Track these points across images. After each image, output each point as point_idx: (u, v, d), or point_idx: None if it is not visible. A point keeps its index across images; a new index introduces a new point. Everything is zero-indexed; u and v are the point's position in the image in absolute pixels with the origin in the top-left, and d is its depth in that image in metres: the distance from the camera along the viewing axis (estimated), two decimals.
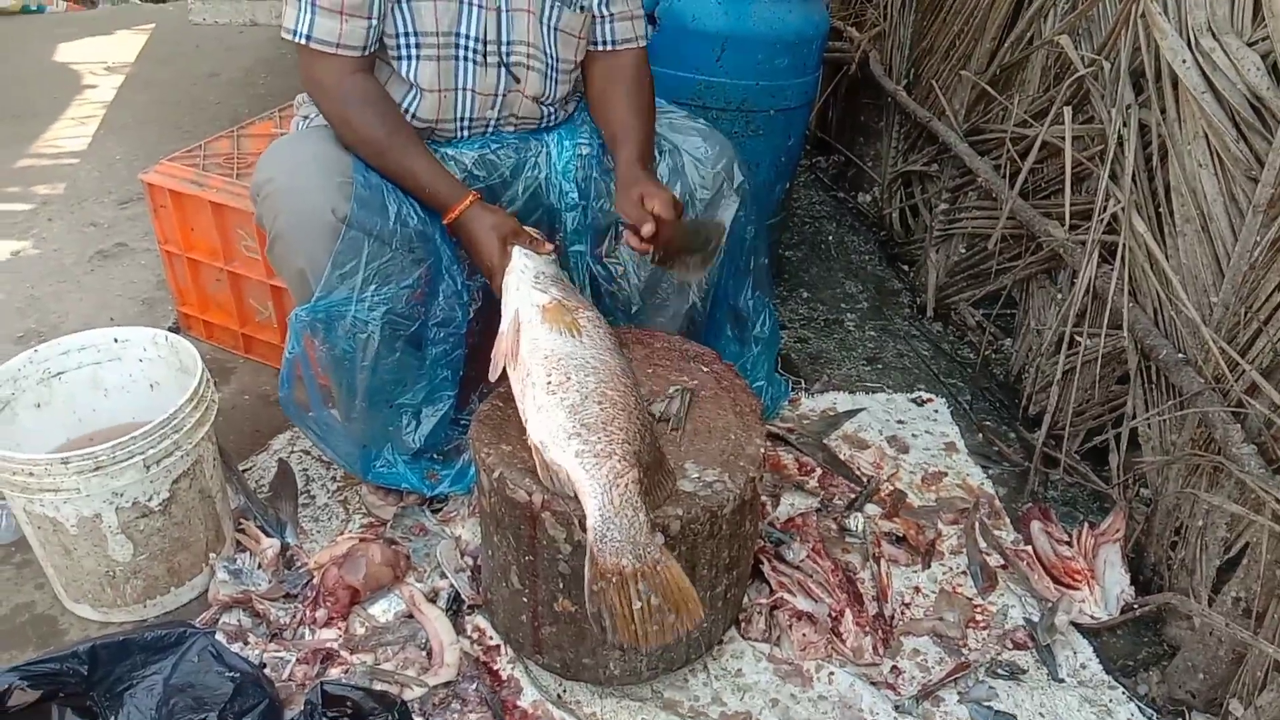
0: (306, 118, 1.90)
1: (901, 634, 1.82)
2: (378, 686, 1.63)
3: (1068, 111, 1.84)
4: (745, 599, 1.83)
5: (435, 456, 2.02)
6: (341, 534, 1.99)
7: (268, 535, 1.94)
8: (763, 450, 1.63)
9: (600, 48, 1.93)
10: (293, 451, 2.21)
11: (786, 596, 1.82)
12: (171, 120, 3.77)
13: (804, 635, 1.77)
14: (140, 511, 1.70)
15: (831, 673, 1.73)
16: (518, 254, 1.70)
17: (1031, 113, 2.18)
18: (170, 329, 2.55)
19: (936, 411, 2.39)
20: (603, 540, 1.36)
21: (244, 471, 2.15)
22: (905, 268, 2.98)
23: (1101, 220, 1.81)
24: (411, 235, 1.73)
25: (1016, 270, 2.26)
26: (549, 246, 1.75)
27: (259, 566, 1.88)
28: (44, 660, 1.50)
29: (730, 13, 2.35)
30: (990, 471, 2.20)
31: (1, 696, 1.47)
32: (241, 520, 1.98)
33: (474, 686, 1.68)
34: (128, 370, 1.93)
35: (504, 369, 1.59)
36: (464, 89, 1.80)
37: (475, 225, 1.73)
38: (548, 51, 1.84)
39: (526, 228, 1.77)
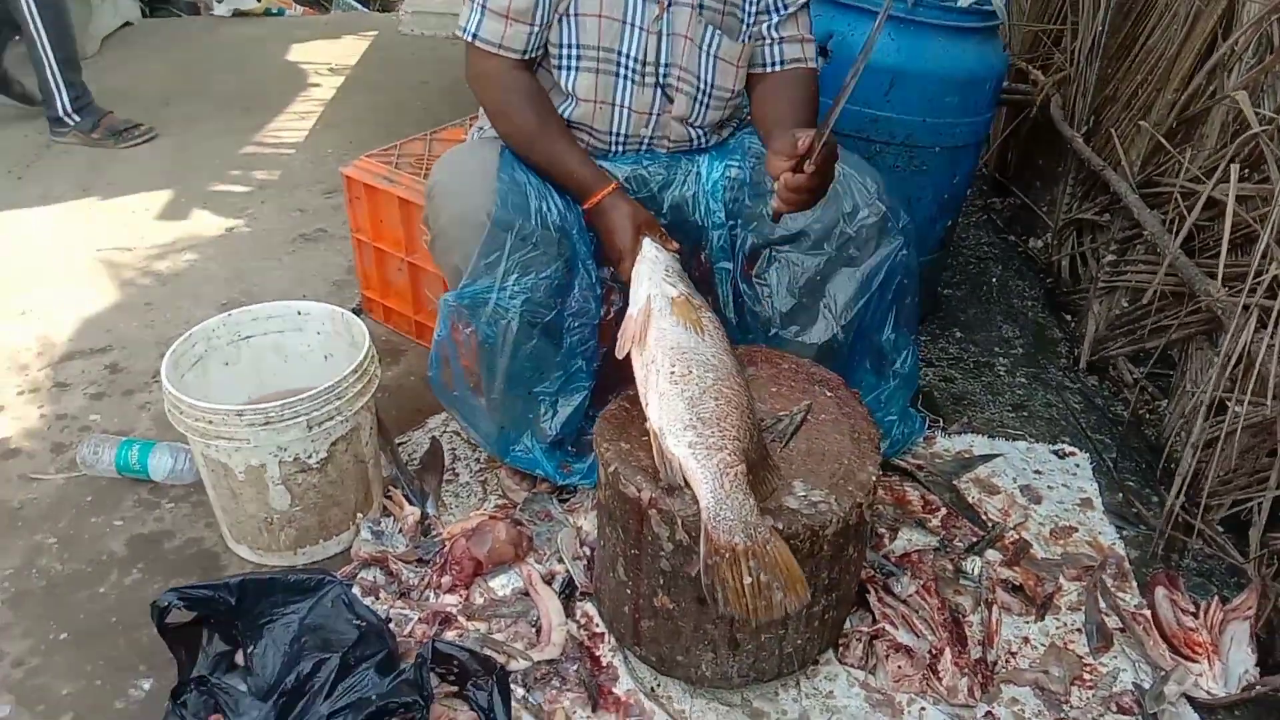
0: (480, 129, 2.06)
1: (1002, 681, 1.79)
2: (486, 652, 1.76)
3: (1234, 169, 1.78)
4: (847, 625, 1.86)
5: (570, 449, 2.13)
6: (477, 510, 2.13)
7: (410, 504, 2.11)
8: (873, 478, 1.65)
9: (769, 69, 2.00)
10: (445, 431, 2.38)
11: (888, 628, 1.83)
12: (381, 120, 4.09)
13: (899, 667, 1.77)
14: (300, 467, 1.89)
15: (923, 708, 1.73)
16: (649, 245, 1.83)
17: (1206, 168, 2.10)
18: (354, 309, 2.80)
19: (1078, 466, 2.33)
20: (716, 519, 1.47)
21: (399, 444, 2.33)
22: (1068, 317, 2.90)
23: (1261, 282, 1.74)
24: (550, 230, 1.86)
25: (1173, 329, 2.18)
26: (675, 245, 1.86)
27: (399, 531, 2.04)
28: (200, 586, 1.70)
29: (902, 48, 2.37)
30: (1125, 533, 2.13)
31: (163, 613, 1.68)
32: (390, 487, 2.16)
33: (575, 667, 1.78)
34: (307, 341, 2.14)
35: (629, 351, 1.71)
36: (620, 105, 1.92)
37: (614, 212, 1.86)
38: (701, 77, 1.93)
39: (658, 225, 1.89)
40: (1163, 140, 2.28)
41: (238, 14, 5.72)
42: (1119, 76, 2.61)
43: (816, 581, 1.64)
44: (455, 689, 1.66)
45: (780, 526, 1.52)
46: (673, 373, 1.63)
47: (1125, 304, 2.51)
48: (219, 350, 2.07)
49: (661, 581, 1.64)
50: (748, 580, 1.44)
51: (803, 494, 1.61)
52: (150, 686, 1.77)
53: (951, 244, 2.92)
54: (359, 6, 6.26)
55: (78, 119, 3.80)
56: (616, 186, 1.90)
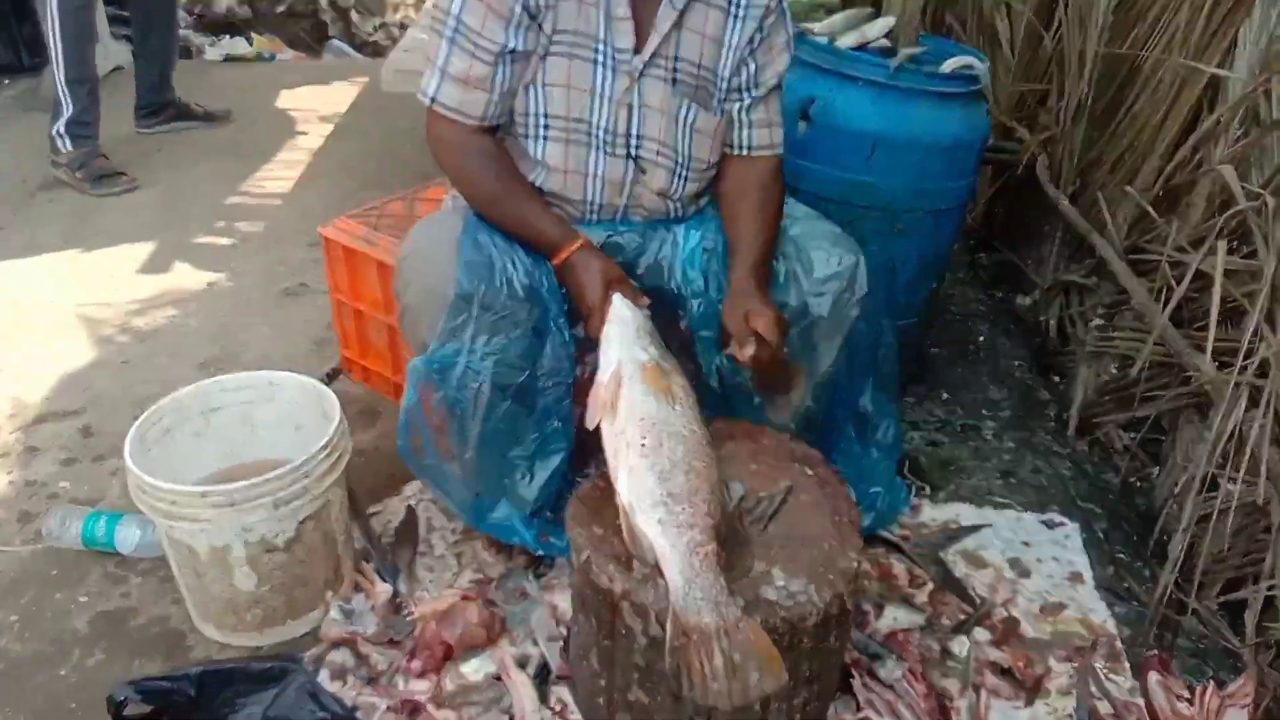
0: (455, 196, 2.03)
1: None
2: None
3: (1221, 245, 1.75)
4: (831, 711, 1.80)
5: (549, 515, 2.08)
6: (450, 585, 2.08)
7: (383, 580, 2.06)
8: (855, 565, 1.61)
9: (735, 151, 1.98)
10: (421, 499, 2.32)
11: (872, 716, 1.78)
12: (369, 171, 4.06)
13: None
14: (266, 547, 1.84)
15: None
16: (619, 303, 1.78)
17: (1193, 239, 2.08)
18: (334, 369, 2.76)
19: (1067, 537, 2.28)
20: (685, 598, 1.43)
21: (374, 514, 2.28)
22: (1057, 379, 2.86)
23: (1251, 362, 1.71)
24: (517, 290, 1.81)
25: (1162, 401, 2.14)
26: (646, 301, 1.82)
27: (370, 609, 1.99)
28: (158, 679, 1.65)
29: (884, 114, 2.35)
30: (1117, 610, 2.08)
31: (119, 706, 1.63)
32: (362, 562, 2.11)
33: None
34: (277, 411, 2.09)
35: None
36: (592, 175, 1.89)
37: (582, 268, 1.82)
38: (679, 150, 1.90)
39: (629, 281, 1.85)
40: (1149, 208, 2.25)
41: (229, 59, 5.71)
42: (1105, 140, 2.59)
43: (797, 675, 1.58)
44: None
45: (757, 619, 1.47)
46: (643, 445, 1.60)
47: (1114, 370, 2.48)
48: (189, 421, 2.02)
49: (636, 676, 1.59)
50: (718, 661, 1.39)
51: (781, 583, 1.56)
52: None
53: (937, 305, 2.88)
54: (349, 51, 6.25)
55: (70, 147, 3.78)
56: (585, 243, 1.85)
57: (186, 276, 3.28)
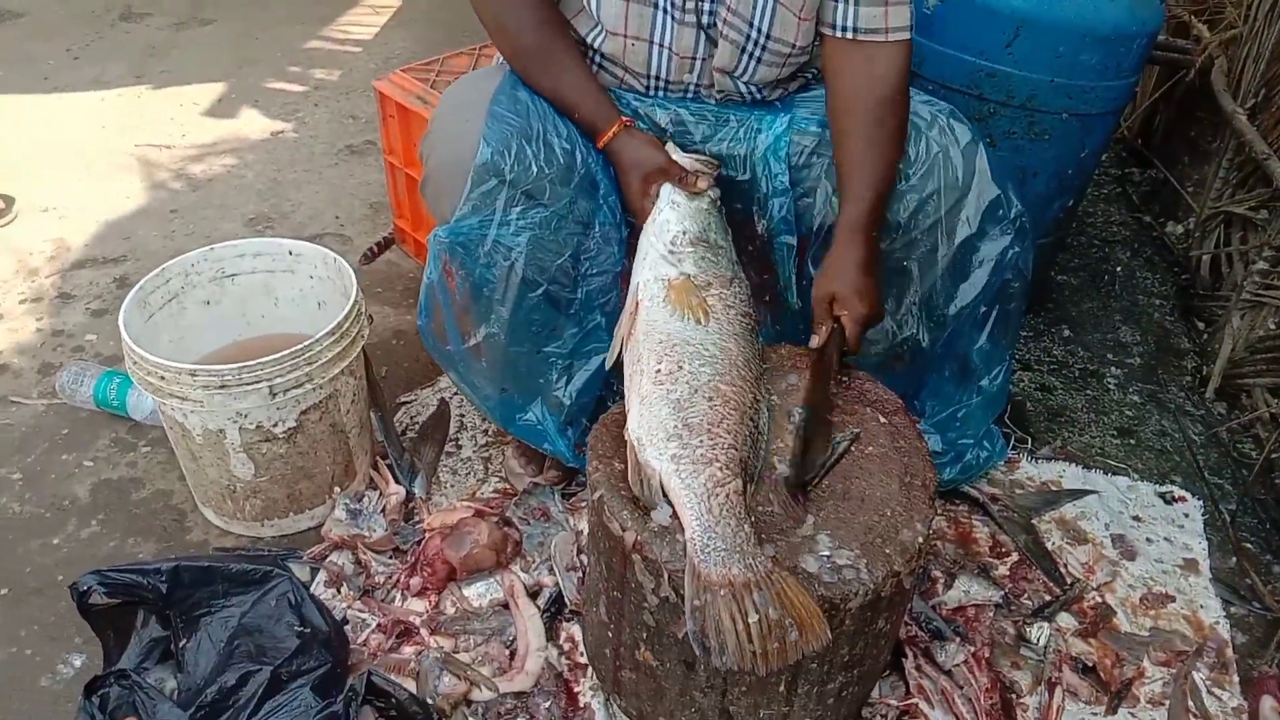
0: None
1: None
2: (446, 677, 1.52)
3: None
4: (876, 691, 1.56)
5: (588, 425, 1.84)
6: (474, 494, 1.89)
7: (398, 481, 1.87)
8: (920, 540, 1.33)
9: (838, 34, 1.57)
10: (457, 393, 2.12)
11: (922, 706, 1.53)
12: (458, 22, 3.76)
13: None
14: (263, 435, 1.66)
15: None
16: (663, 201, 1.52)
17: None
18: (386, 239, 2.56)
19: (1187, 515, 1.94)
20: (705, 551, 1.22)
21: (404, 404, 2.10)
22: (1201, 326, 2.46)
23: None
24: (558, 159, 1.54)
25: None
26: (703, 184, 1.53)
27: (380, 511, 1.81)
28: (128, 570, 1.50)
29: None
30: (1233, 610, 1.76)
31: (83, 596, 1.48)
32: (380, 458, 1.92)
33: (546, 704, 1.53)
34: (298, 284, 1.90)
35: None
36: (658, 43, 1.56)
37: (620, 157, 1.55)
38: (754, 24, 1.54)
39: (686, 156, 1.57)
40: None
41: None
42: None
43: (833, 657, 1.34)
44: None
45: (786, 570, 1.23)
46: (658, 371, 1.38)
47: (1272, 325, 2.08)
48: (199, 287, 1.84)
49: (645, 635, 1.37)
50: (754, 618, 1.17)
51: (826, 553, 1.30)
52: (81, 664, 1.61)
53: (1071, 225, 2.49)
54: None
55: None
56: (626, 124, 1.56)
57: (251, 123, 3.10)
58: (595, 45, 1.59)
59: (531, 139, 1.53)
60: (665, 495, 1.30)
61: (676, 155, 1.58)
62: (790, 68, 1.64)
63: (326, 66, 3.45)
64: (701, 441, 1.30)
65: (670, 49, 1.57)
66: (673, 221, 1.48)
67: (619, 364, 1.65)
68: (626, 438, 1.35)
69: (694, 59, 1.59)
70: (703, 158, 1.59)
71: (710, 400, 1.34)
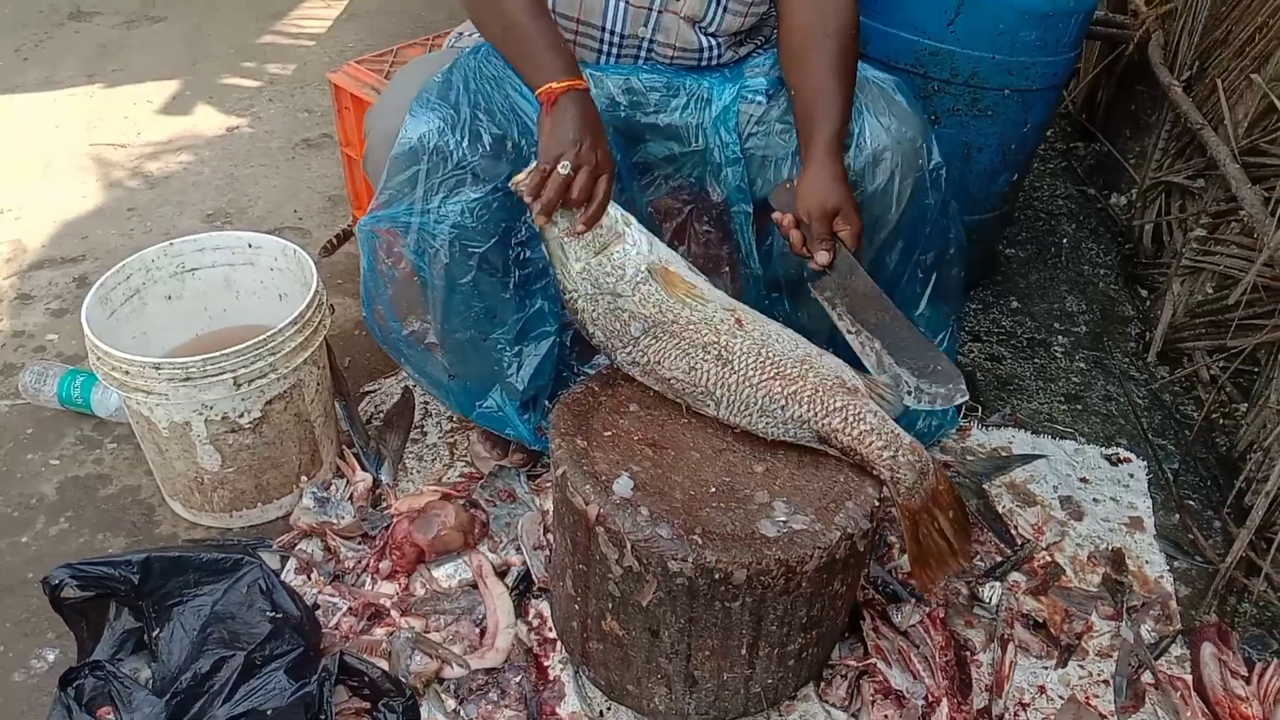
0: (454, 39, 1.77)
1: None
2: (418, 656, 1.56)
3: None
4: (835, 653, 1.62)
5: (548, 406, 1.86)
6: (440, 479, 1.92)
7: (364, 468, 1.90)
8: (874, 504, 1.38)
9: None
10: None
11: (880, 665, 1.58)
12: (409, 14, 3.77)
13: (885, 716, 1.53)
14: (229, 426, 1.68)
15: None
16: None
17: None
18: (345, 230, 2.57)
19: (1132, 476, 2.02)
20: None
21: (368, 394, 2.12)
22: (1144, 293, 2.53)
23: None
24: (484, 143, 1.53)
25: (1262, 331, 1.83)
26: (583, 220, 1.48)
27: (348, 499, 1.84)
28: (98, 563, 1.52)
29: None
30: (1176, 564, 1.83)
31: (55, 589, 1.50)
32: (345, 446, 1.95)
33: (517, 679, 1.57)
34: (259, 277, 1.91)
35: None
36: None
37: (562, 119, 1.47)
38: None
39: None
40: (1276, 100, 1.89)
41: None
42: (1234, 16, 2.19)
43: (791, 619, 1.39)
44: (367, 705, 1.46)
45: (749, 561, 1.28)
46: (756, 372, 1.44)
47: (1210, 290, 2.15)
48: (160, 283, 1.85)
49: (610, 605, 1.41)
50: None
51: (783, 518, 1.35)
52: (54, 659, 1.62)
53: (1016, 199, 2.55)
54: None
55: None
56: (578, 86, 1.50)
57: (206, 119, 3.09)
58: (551, 3, 1.59)
59: (456, 127, 1.53)
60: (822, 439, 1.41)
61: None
62: (752, 18, 1.67)
63: (280, 61, 3.45)
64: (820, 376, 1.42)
65: None
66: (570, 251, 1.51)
67: (585, 344, 1.70)
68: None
69: (649, 9, 1.60)
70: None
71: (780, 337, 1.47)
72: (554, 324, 1.71)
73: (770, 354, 1.43)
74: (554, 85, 1.47)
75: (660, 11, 1.62)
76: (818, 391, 1.40)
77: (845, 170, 1.56)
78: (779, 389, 1.40)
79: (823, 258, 1.53)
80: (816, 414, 1.39)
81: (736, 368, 1.43)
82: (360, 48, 3.44)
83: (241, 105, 3.17)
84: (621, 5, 1.60)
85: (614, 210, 1.50)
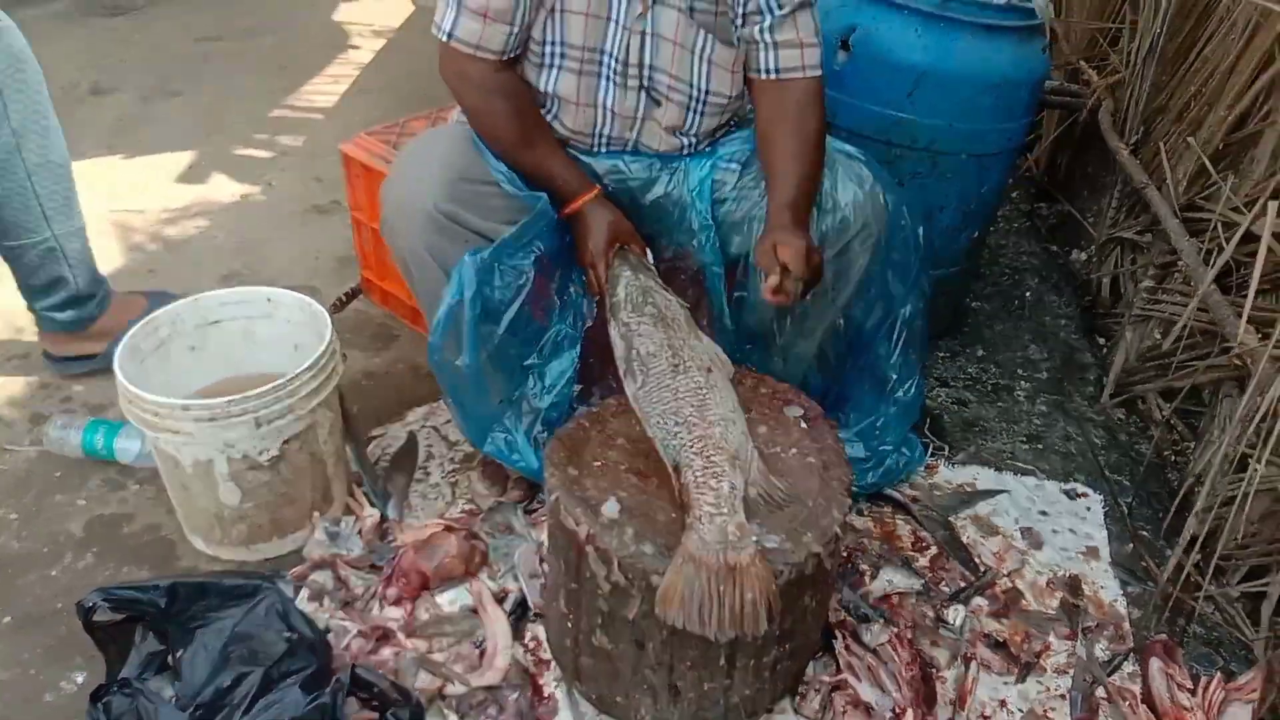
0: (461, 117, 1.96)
1: None
2: (423, 675, 1.68)
3: (1273, 205, 1.59)
4: (810, 670, 1.74)
5: None
6: (442, 515, 2.05)
7: (372, 505, 2.04)
8: (837, 526, 1.52)
9: (764, 75, 1.83)
10: (424, 426, 2.30)
11: (851, 680, 1.71)
12: (416, 89, 3.97)
13: None
14: (249, 464, 1.82)
15: None
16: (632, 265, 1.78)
17: (1251, 198, 1.90)
18: (353, 289, 2.74)
19: (1089, 509, 2.16)
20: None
21: (375, 437, 2.26)
22: (1102, 341, 2.70)
23: None
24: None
25: (1198, 371, 1.99)
26: (650, 259, 1.83)
27: (357, 533, 1.97)
28: (128, 587, 1.65)
29: (930, 46, 2.19)
30: (1130, 589, 1.96)
31: (88, 612, 1.63)
32: (355, 486, 2.09)
33: (515, 696, 1.69)
34: (276, 329, 2.06)
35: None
36: (603, 107, 1.79)
37: (592, 218, 1.79)
38: (694, 84, 1.79)
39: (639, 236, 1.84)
40: (1207, 162, 2.07)
41: None
42: (1173, 85, 2.39)
43: (768, 631, 1.52)
44: (375, 716, 1.58)
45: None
46: (675, 367, 1.61)
47: (1158, 335, 2.32)
48: (185, 335, 2.01)
49: (599, 620, 1.54)
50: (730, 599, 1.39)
51: (755, 538, 1.49)
52: (83, 680, 1.74)
53: (981, 255, 2.73)
54: None
55: None
56: (599, 192, 1.81)
57: (221, 188, 3.28)
58: (550, 116, 1.82)
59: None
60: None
61: None
62: (727, 114, 1.89)
63: (292, 133, 3.65)
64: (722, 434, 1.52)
65: (613, 110, 1.80)
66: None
67: (588, 371, 1.86)
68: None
69: (635, 118, 1.82)
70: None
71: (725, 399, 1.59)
72: (573, 345, 1.89)
73: (707, 396, 1.57)
74: (575, 203, 1.79)
75: (643, 120, 1.84)
76: (708, 440, 1.51)
77: (796, 219, 1.73)
78: (688, 413, 1.54)
79: (769, 283, 1.67)
80: (687, 447, 1.50)
81: (677, 380, 1.59)
82: (367, 120, 3.61)
83: (255, 174, 3.36)
84: (611, 115, 1.82)
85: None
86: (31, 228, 2.20)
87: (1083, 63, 2.96)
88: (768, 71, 1.83)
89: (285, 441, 1.84)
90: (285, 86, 4.00)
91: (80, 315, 2.35)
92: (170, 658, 1.68)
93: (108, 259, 2.86)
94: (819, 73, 1.85)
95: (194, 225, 3.05)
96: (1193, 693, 1.71)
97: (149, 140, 3.55)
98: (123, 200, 3.15)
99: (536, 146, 1.79)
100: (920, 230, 1.95)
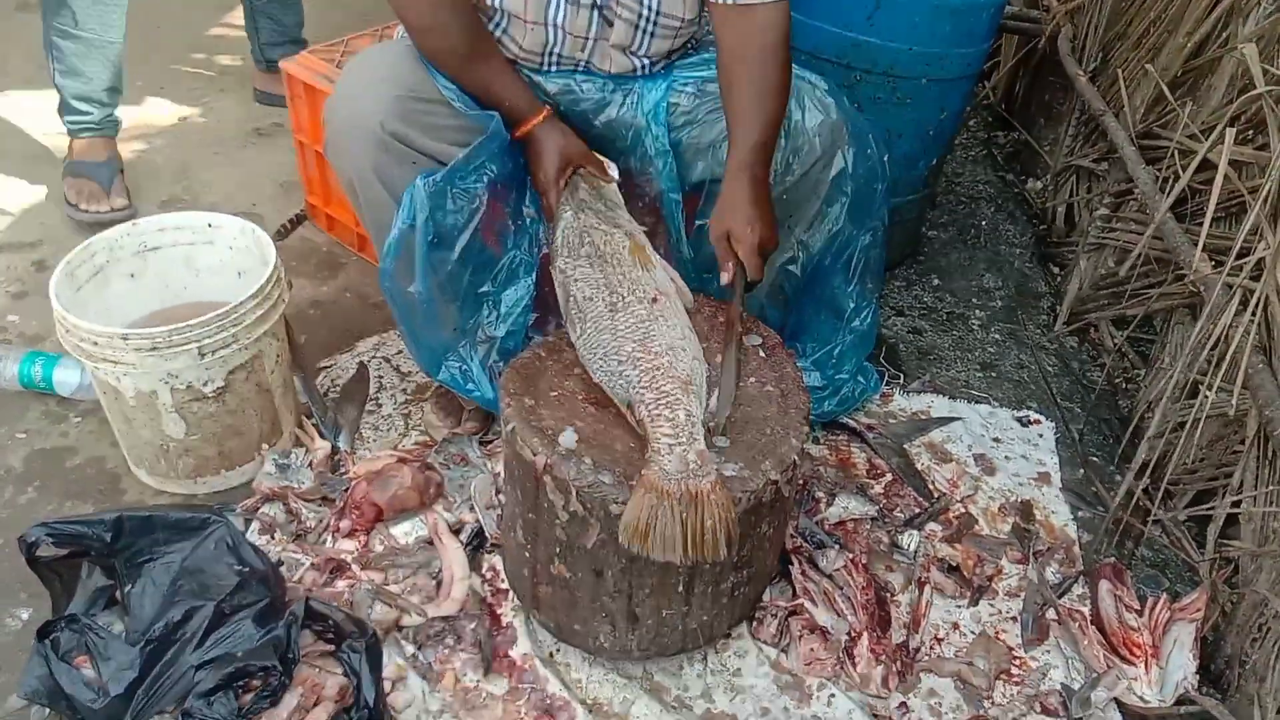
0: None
1: (923, 670, 1.69)
2: (379, 606, 1.67)
3: (1230, 132, 1.59)
4: (766, 596, 1.75)
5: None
6: (395, 446, 2.02)
7: (323, 437, 2.00)
8: (796, 454, 1.52)
9: (724, 1, 1.71)
10: (374, 357, 2.25)
11: (806, 605, 1.72)
12: (355, 5, 3.84)
13: (812, 650, 1.67)
14: (194, 395, 1.77)
15: (833, 695, 1.64)
16: (584, 190, 1.73)
17: (1208, 126, 1.90)
18: (298, 215, 2.66)
19: (1041, 436, 2.18)
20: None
21: (324, 368, 2.21)
22: (1056, 270, 2.72)
23: (1247, 262, 1.57)
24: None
25: (1151, 299, 2.00)
26: (613, 175, 1.77)
27: (308, 465, 1.93)
28: (72, 521, 1.60)
29: None
30: (1080, 514, 2.00)
31: (31, 547, 1.59)
32: (304, 417, 2.04)
33: (472, 626, 1.69)
34: (218, 255, 2.00)
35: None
36: (554, 25, 1.72)
37: (543, 142, 1.72)
38: (645, 3, 1.71)
39: (595, 155, 1.78)
40: (1165, 89, 2.06)
41: None
42: (1132, 11, 2.37)
43: (725, 559, 1.52)
44: (331, 648, 1.56)
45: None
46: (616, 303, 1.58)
47: (1112, 264, 2.33)
48: (123, 261, 1.93)
49: (558, 550, 1.53)
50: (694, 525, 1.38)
51: (715, 465, 1.48)
52: (28, 617, 1.70)
53: (938, 183, 2.72)
54: None
55: None
56: (549, 114, 1.74)
57: (158, 110, 3.14)
58: (498, 34, 1.74)
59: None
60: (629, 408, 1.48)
61: None
62: (681, 38, 1.82)
63: (231, 52, 3.51)
64: (671, 363, 1.49)
65: (565, 29, 1.72)
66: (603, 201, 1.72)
67: (544, 300, 1.82)
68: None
69: (586, 38, 1.75)
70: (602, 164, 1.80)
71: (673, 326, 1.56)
72: (529, 272, 1.84)
73: (650, 329, 1.54)
74: (525, 125, 1.72)
75: (595, 40, 1.76)
76: (657, 371, 1.48)
77: (756, 189, 1.68)
78: (629, 349, 1.51)
79: (722, 277, 1.68)
80: (639, 383, 1.48)
81: (615, 319, 1.55)
82: (311, 39, 3.50)
83: (193, 95, 3.23)
84: (561, 34, 1.74)
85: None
86: None
87: None
88: None
89: (230, 372, 1.79)
90: (222, 3, 3.82)
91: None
92: (118, 593, 1.64)
93: (43, 183, 2.75)
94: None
95: (130, 149, 2.92)
96: (1139, 613, 1.75)
97: None
98: (53, 123, 3.01)
99: (483, 64, 1.71)
100: (885, 159, 1.92)
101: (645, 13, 1.72)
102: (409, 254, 1.70)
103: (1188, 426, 1.70)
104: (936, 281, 2.63)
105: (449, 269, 1.74)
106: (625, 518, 1.37)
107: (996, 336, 2.46)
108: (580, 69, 1.81)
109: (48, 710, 1.54)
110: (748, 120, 1.69)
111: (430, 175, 1.67)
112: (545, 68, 1.80)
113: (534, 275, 1.85)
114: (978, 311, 2.54)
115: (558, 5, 1.70)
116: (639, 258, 1.66)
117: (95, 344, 1.68)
